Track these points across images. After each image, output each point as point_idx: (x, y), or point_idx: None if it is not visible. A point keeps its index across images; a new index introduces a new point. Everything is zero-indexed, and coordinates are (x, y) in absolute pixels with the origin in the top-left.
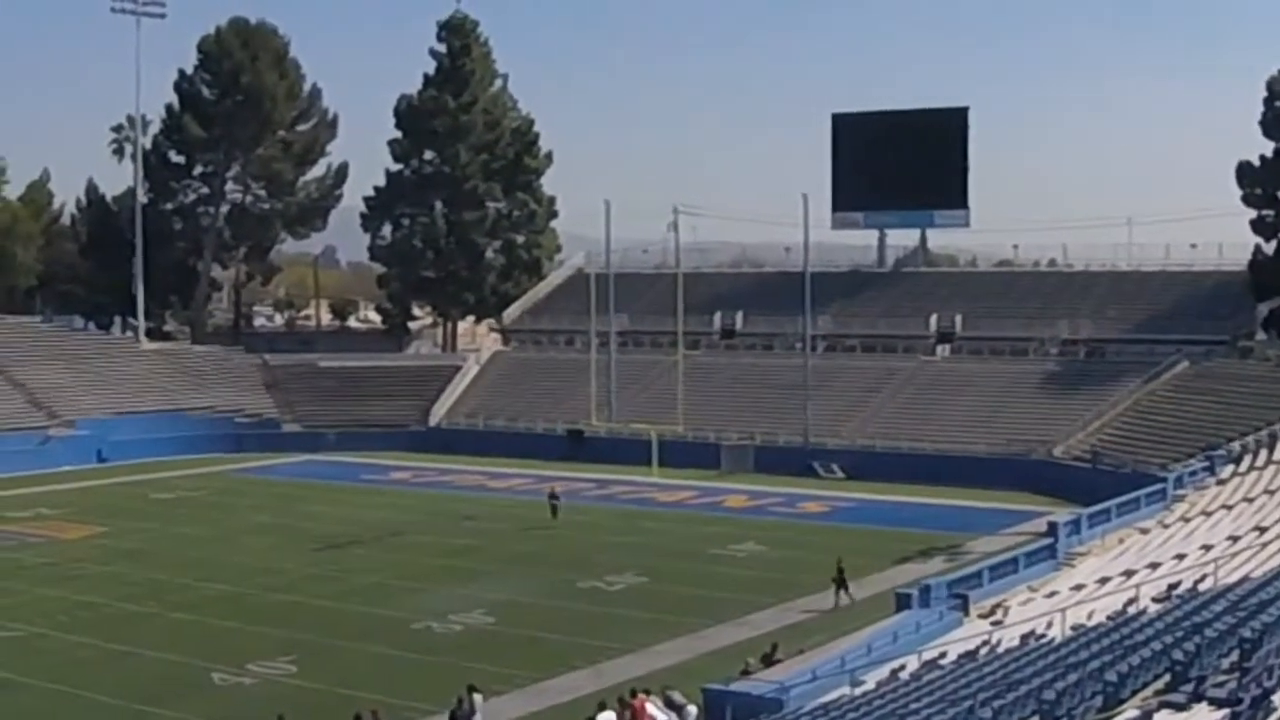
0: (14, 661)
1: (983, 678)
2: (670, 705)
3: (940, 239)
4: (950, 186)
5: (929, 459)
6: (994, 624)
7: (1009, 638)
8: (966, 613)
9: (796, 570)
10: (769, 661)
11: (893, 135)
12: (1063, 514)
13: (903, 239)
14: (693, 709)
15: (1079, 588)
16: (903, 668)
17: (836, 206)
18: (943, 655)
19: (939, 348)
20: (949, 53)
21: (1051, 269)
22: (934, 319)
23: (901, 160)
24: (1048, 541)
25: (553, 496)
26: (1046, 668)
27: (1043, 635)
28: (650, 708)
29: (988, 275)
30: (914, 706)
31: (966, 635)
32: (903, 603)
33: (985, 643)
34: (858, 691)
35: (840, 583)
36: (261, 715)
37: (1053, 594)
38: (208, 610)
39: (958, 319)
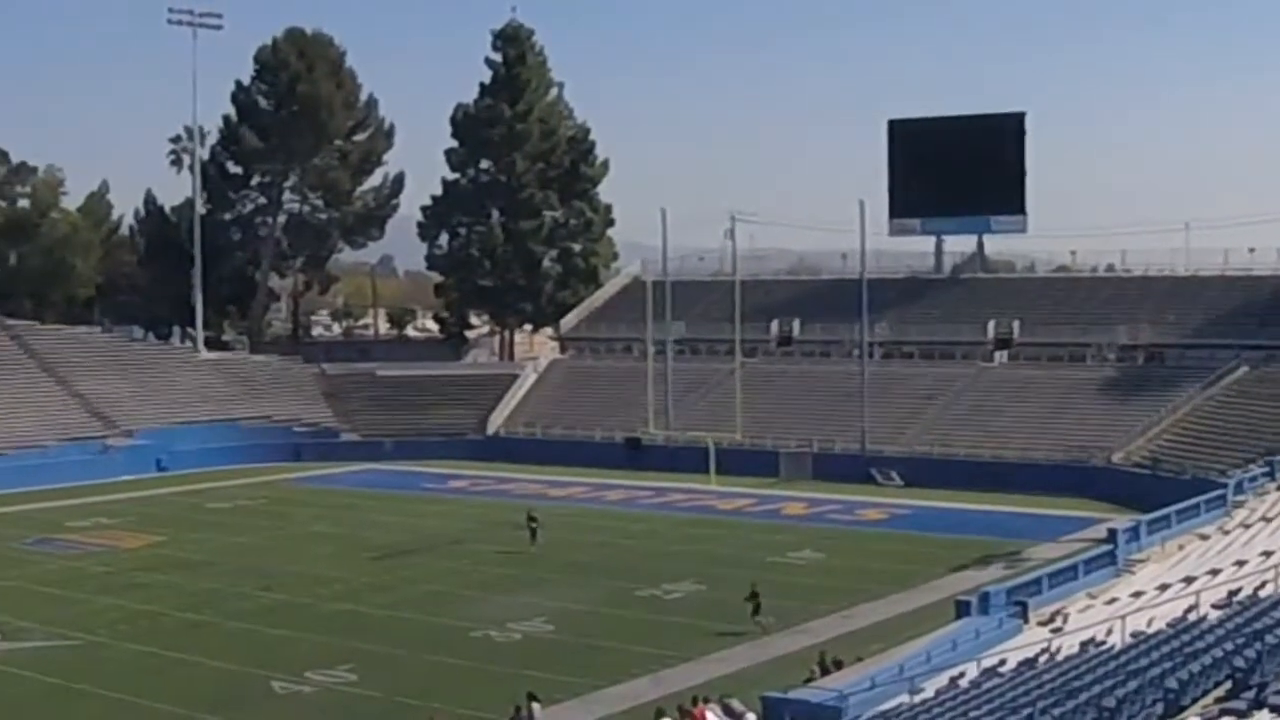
0: (75, 670)
1: (1042, 685)
2: (729, 713)
3: (998, 245)
4: (1007, 192)
5: (987, 466)
6: (1053, 631)
7: (1069, 645)
8: (1026, 620)
9: (855, 578)
10: (825, 669)
11: (950, 141)
12: (1122, 520)
13: (960, 245)
14: (752, 717)
15: (1139, 594)
16: (962, 675)
17: (893, 213)
18: (1002, 663)
19: (997, 354)
20: (1006, 58)
21: (1110, 274)
22: (992, 325)
23: (958, 166)
24: (1107, 548)
25: (531, 519)
26: (1106, 675)
27: (1102, 642)
28: (710, 716)
29: (1045, 281)
30: (973, 714)
31: (1026, 643)
32: (962, 610)
33: (1045, 650)
34: (916, 699)
35: (755, 607)
36: None
37: (1112, 601)
38: (266, 619)
39: (1015, 325)
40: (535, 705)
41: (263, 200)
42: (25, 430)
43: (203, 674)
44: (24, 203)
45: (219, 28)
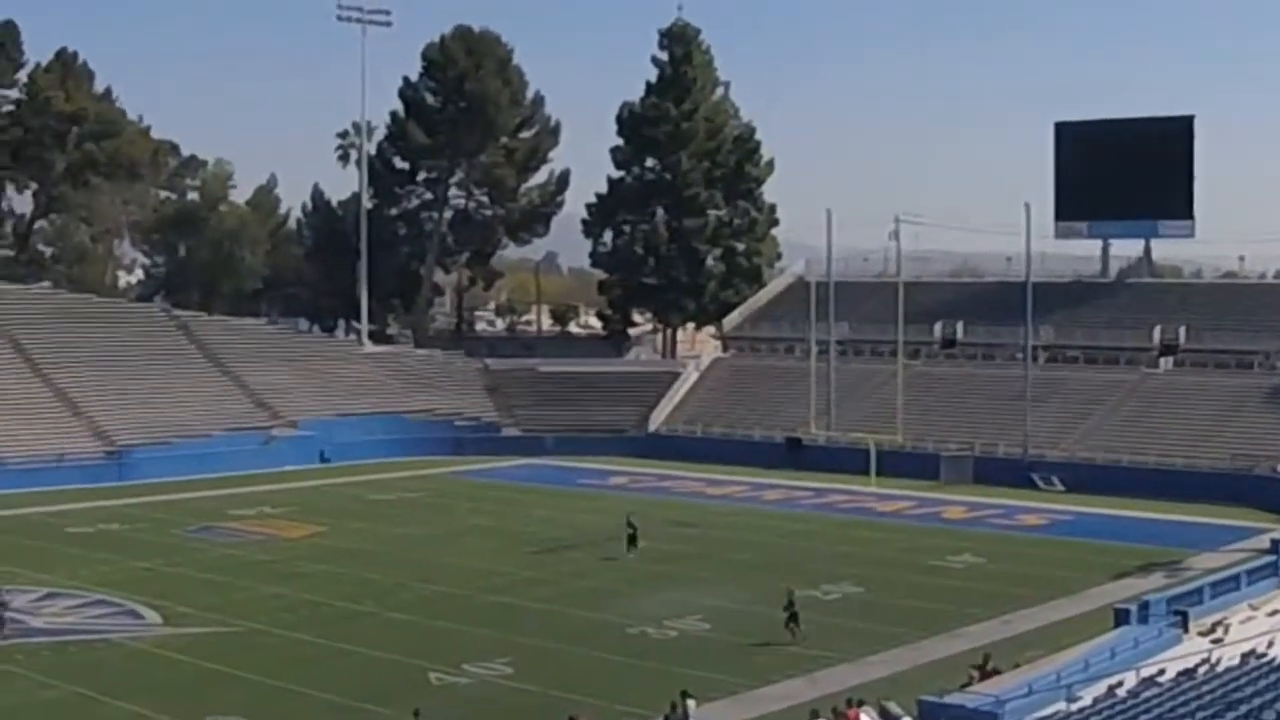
0: (236, 657)
1: (1201, 696)
2: (886, 716)
3: (1165, 249)
4: (1175, 196)
5: (1150, 473)
6: (1214, 642)
7: (1229, 656)
8: (1186, 630)
9: (1014, 583)
10: (984, 673)
11: (1117, 144)
12: None
13: (1126, 249)
14: None
15: None
16: (1120, 684)
17: (1059, 216)
18: (1161, 672)
19: (1162, 360)
20: (1176, 59)
21: (1278, 280)
22: (1157, 331)
23: (1125, 169)
24: (1270, 559)
25: (630, 525)
26: (1268, 687)
27: (1263, 654)
28: (864, 718)
29: (1213, 286)
30: None
31: (1185, 653)
32: (1121, 618)
33: (1205, 661)
34: (1074, 707)
35: (791, 615)
36: (477, 716)
37: (1274, 612)
38: (425, 610)
39: (1181, 331)
40: (690, 702)
41: (429, 196)
42: (191, 420)
43: (360, 664)
44: (194, 195)
45: (388, 24)
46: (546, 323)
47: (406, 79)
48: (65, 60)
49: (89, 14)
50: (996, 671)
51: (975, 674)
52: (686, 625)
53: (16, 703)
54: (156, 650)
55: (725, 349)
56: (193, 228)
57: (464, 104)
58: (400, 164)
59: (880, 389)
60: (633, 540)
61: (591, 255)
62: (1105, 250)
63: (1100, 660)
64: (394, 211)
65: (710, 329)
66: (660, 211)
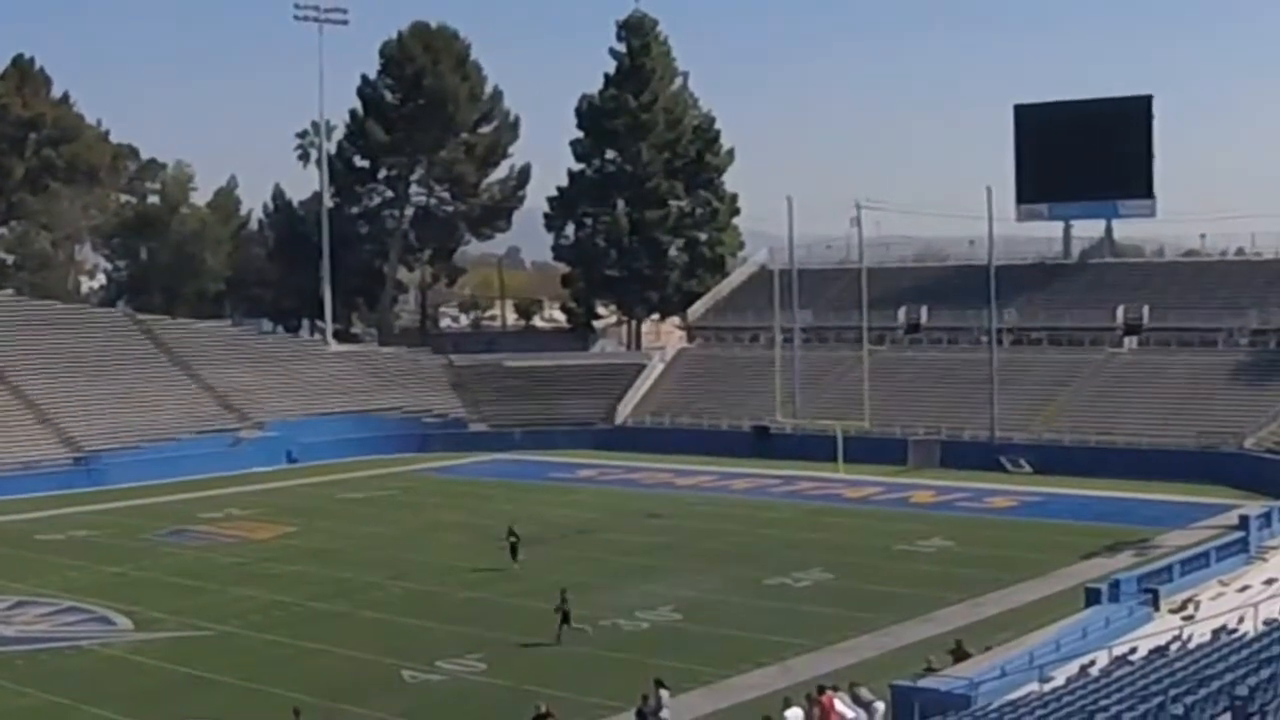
0: (209, 660)
1: (1174, 674)
2: (858, 702)
3: (1126, 229)
4: (1135, 176)
5: (1117, 452)
6: (1185, 619)
7: (1200, 633)
8: (1157, 608)
9: (984, 566)
10: (957, 657)
11: (1077, 125)
12: (1254, 507)
13: (1088, 230)
14: (881, 705)
15: (1271, 581)
16: (1092, 663)
17: (1020, 198)
18: (1133, 651)
19: (1126, 339)
20: (1133, 41)
21: (1240, 258)
22: (1121, 310)
23: (1086, 150)
24: (1239, 535)
25: (511, 534)
26: (1239, 663)
27: (1234, 630)
28: (838, 704)
29: (1175, 265)
30: (1104, 703)
31: (1157, 630)
32: (1092, 598)
33: (1176, 638)
34: (1047, 688)
35: (564, 616)
36: (451, 712)
37: (1244, 588)
38: (397, 609)
39: (1145, 310)
40: (663, 692)
41: (390, 193)
42: (158, 424)
43: (334, 663)
44: (154, 198)
45: (345, 23)
46: (511, 318)
47: (365, 77)
48: (22, 66)
49: (45, 20)
50: (968, 655)
51: (932, 658)
52: (658, 616)
53: None
54: (129, 656)
55: (690, 339)
56: (154, 231)
57: (423, 101)
58: (360, 162)
59: (846, 375)
60: (514, 550)
61: (554, 249)
62: (1067, 231)
63: (1072, 640)
64: (355, 210)
65: (675, 320)
66: (621, 203)
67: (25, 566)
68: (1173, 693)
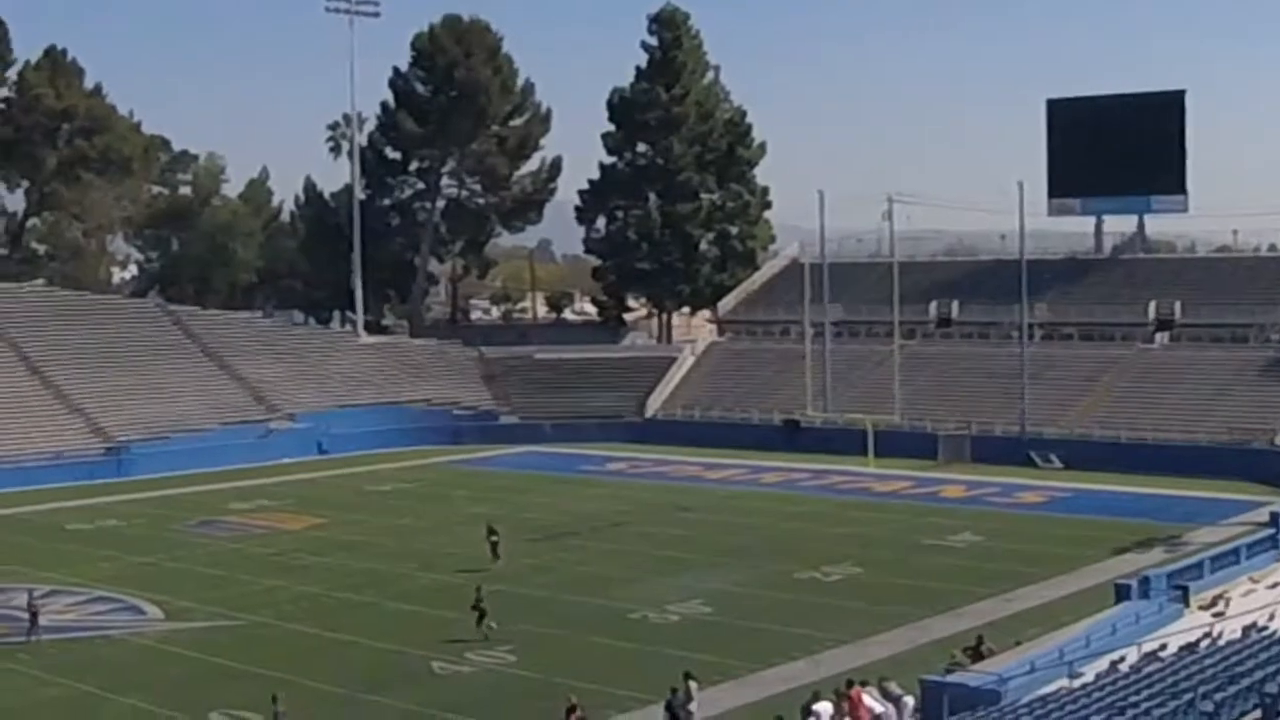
0: (239, 650)
1: (1204, 670)
2: (887, 696)
3: (1158, 225)
4: (1168, 171)
5: (1148, 448)
6: (1215, 616)
7: (1230, 630)
8: (1187, 604)
9: (1014, 561)
10: (977, 655)
11: (1109, 120)
12: None
13: (1120, 225)
14: (910, 700)
15: None
16: (1122, 660)
17: (1052, 193)
18: (1163, 647)
19: (1158, 335)
20: (1167, 36)
21: (1272, 254)
22: (1153, 306)
23: (1118, 145)
24: (1270, 532)
25: (491, 533)
26: (1269, 660)
27: (1265, 627)
28: (867, 699)
29: (1207, 261)
30: (1134, 699)
31: (1187, 627)
32: (1122, 594)
33: (1206, 635)
34: (1076, 684)
35: (480, 613)
36: (481, 703)
37: (1275, 585)
38: (427, 600)
39: (1177, 306)
40: (692, 684)
41: (421, 185)
42: (188, 415)
43: (363, 654)
44: (186, 190)
45: (376, 15)
46: (541, 310)
47: (396, 69)
48: (54, 57)
49: (78, 11)
50: (991, 652)
51: (957, 653)
52: (688, 609)
53: (20, 701)
54: (159, 645)
55: (721, 333)
56: (185, 222)
57: (454, 93)
58: (392, 154)
59: (876, 369)
60: (494, 549)
61: (585, 242)
62: (1099, 227)
63: (1102, 636)
64: (387, 202)
65: (705, 313)
66: (653, 196)
67: (56, 556)
68: (1202, 690)
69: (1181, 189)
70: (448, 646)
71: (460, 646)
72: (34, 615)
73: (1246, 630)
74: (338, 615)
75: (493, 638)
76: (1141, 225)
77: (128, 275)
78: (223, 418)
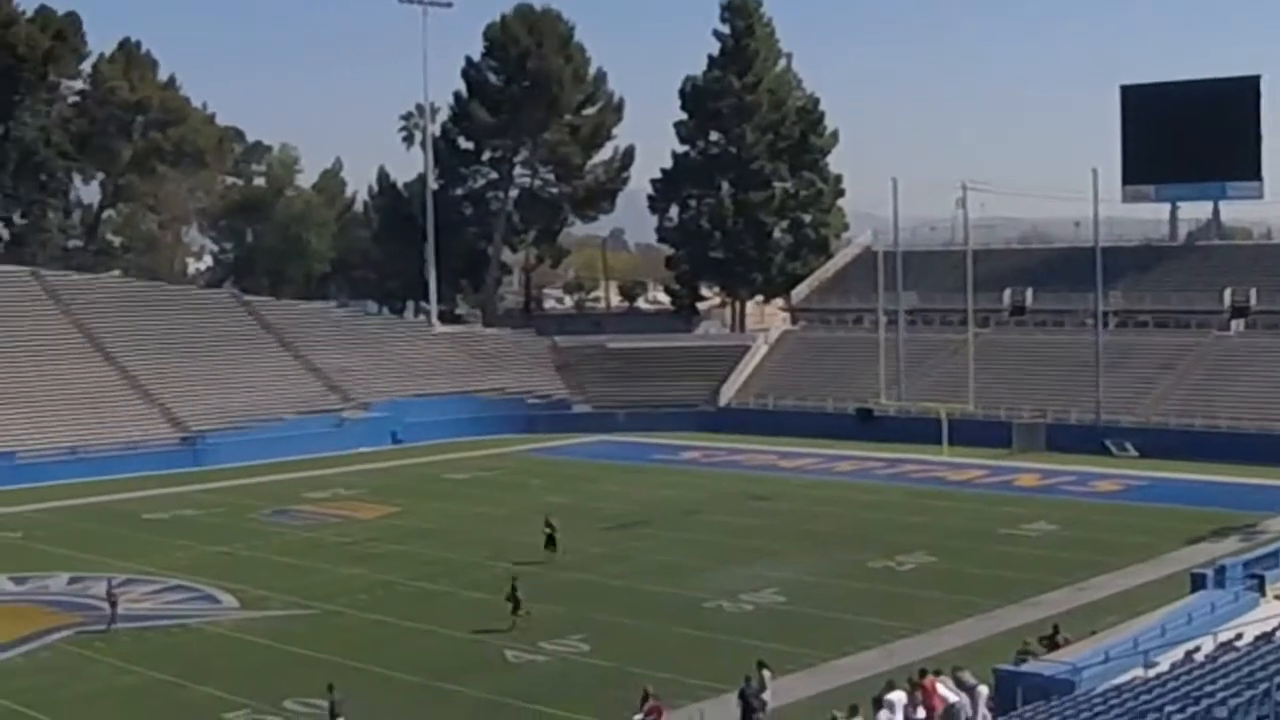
0: (314, 639)
1: None
2: (961, 686)
3: (1234, 211)
4: (1243, 158)
5: (1224, 436)
6: None
7: None
8: (1263, 593)
9: (1088, 550)
10: (1052, 644)
11: (1183, 106)
12: None
13: (1195, 212)
14: (984, 690)
15: None
16: (1197, 649)
17: (1127, 180)
18: (1238, 637)
19: (1233, 322)
20: (1242, 19)
21: None
22: (1228, 293)
23: (1193, 132)
24: None
25: (548, 525)
26: None
27: None
28: (940, 688)
29: None
30: (1209, 689)
31: (1263, 616)
32: (1197, 583)
33: None
34: (1151, 673)
35: (515, 602)
36: (555, 693)
37: None
38: (501, 589)
39: (1252, 293)
40: (765, 673)
41: (494, 175)
42: (263, 404)
43: (437, 643)
44: (260, 181)
45: (449, 5)
46: (614, 299)
47: (469, 59)
48: (128, 50)
49: (151, 4)
50: (1067, 641)
51: (1030, 641)
52: (761, 598)
53: (97, 688)
54: (234, 634)
55: (794, 321)
56: (259, 213)
57: (527, 82)
58: (465, 144)
59: (950, 358)
60: (551, 541)
61: (658, 230)
62: (1173, 213)
63: (1177, 626)
64: (460, 191)
65: (778, 301)
66: (725, 185)
67: (132, 545)
68: (1278, 680)
69: (1257, 175)
70: (522, 635)
71: (534, 635)
72: (113, 604)
73: None
74: (412, 604)
75: (521, 625)
76: (1216, 212)
77: (202, 266)
78: (297, 407)
